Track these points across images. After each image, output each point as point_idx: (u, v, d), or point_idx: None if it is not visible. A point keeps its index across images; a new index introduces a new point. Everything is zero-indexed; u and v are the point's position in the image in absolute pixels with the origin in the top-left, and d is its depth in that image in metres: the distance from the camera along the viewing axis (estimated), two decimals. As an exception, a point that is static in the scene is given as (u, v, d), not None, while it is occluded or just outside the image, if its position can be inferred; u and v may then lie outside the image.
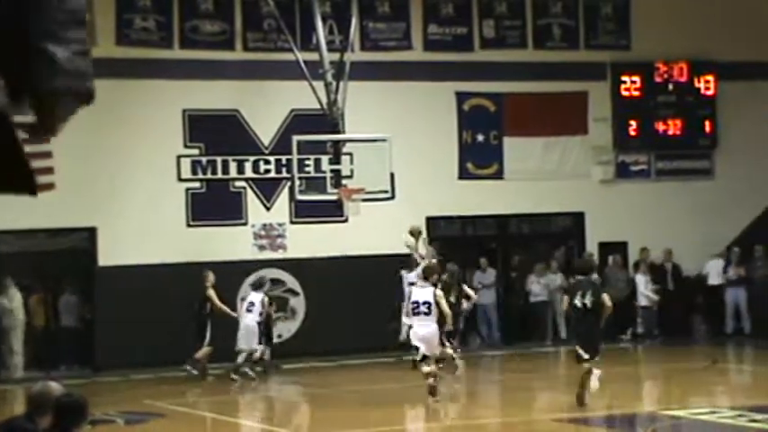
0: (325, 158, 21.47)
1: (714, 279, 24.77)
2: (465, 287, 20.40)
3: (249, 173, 23.50)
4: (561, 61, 25.17)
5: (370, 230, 22.88)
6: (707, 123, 25.88)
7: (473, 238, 25.91)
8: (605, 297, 14.29)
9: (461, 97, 24.83)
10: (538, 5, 25.22)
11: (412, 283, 17.35)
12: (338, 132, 21.06)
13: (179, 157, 23.09)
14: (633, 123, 25.58)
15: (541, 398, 17.21)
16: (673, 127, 25.75)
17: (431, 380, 15.28)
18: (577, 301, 14.21)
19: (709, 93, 25.83)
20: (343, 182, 20.51)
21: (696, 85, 25.78)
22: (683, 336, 24.22)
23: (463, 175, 24.81)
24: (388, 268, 21.11)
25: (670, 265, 25.22)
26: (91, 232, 22.55)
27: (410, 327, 16.37)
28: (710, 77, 25.73)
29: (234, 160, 23.42)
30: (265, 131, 23.51)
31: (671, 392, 17.51)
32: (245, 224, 23.43)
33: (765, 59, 25.47)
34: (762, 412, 13.59)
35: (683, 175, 25.96)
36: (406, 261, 19.95)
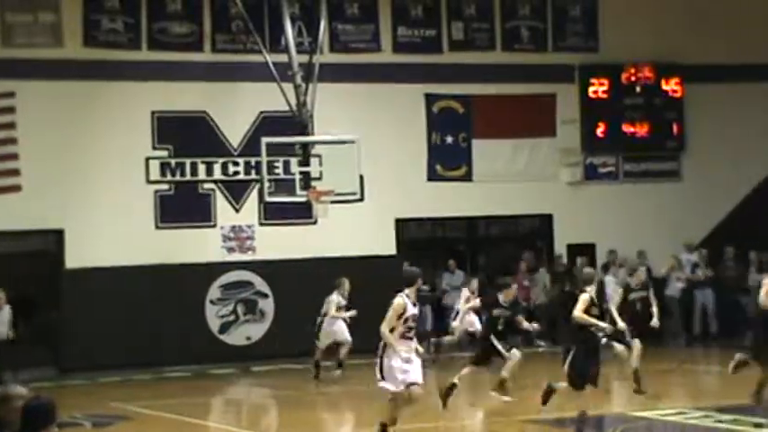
0: (294, 160, 21.44)
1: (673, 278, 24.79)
2: None
3: (218, 175, 23.44)
4: (529, 63, 25.24)
5: (340, 232, 22.88)
6: (674, 125, 26.03)
7: (442, 240, 25.94)
8: None
9: (430, 99, 24.86)
10: (506, 8, 25.29)
11: None
12: (307, 134, 21.05)
13: (147, 158, 22.98)
14: (601, 125, 25.70)
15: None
16: (640, 129, 25.89)
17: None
18: None
19: (677, 95, 25.98)
20: (312, 184, 20.48)
21: (663, 87, 25.92)
22: (652, 337, 24.27)
23: (432, 176, 24.85)
24: (358, 270, 21.10)
25: (644, 267, 25.28)
26: (58, 234, 22.42)
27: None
28: (678, 80, 25.88)
29: (203, 162, 23.35)
30: (234, 133, 23.45)
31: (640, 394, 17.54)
32: (213, 226, 23.36)
33: (731, 62, 25.62)
34: (728, 413, 13.69)
35: (651, 177, 26.10)
36: None
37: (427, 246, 25.57)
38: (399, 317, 12.02)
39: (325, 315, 19.49)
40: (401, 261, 24.24)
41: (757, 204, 25.83)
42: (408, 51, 24.64)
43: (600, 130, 25.73)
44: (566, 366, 12.91)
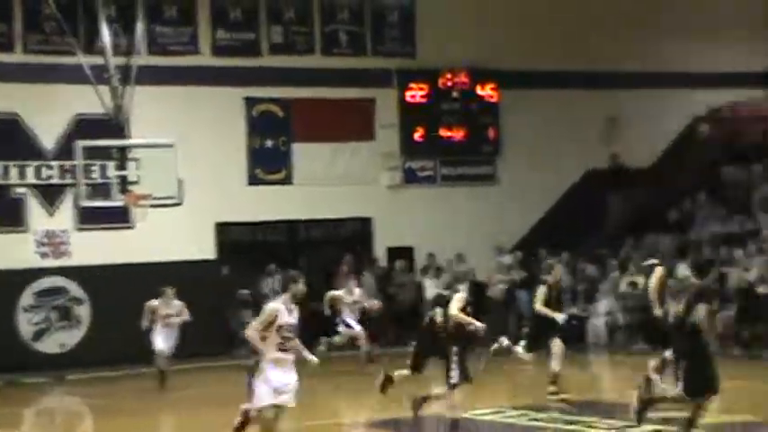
0: (111, 164, 21.04)
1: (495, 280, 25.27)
2: None
3: (31, 179, 22.82)
4: (349, 68, 25.39)
5: (158, 237, 22.56)
6: (490, 130, 26.58)
7: (263, 244, 25.80)
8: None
9: (250, 102, 24.76)
10: (325, 12, 25.38)
11: None
12: (124, 137, 20.70)
13: (-43, 162, 22.25)
14: (419, 130, 26.06)
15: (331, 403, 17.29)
16: (457, 133, 26.34)
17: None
18: None
19: (492, 100, 26.54)
20: (130, 188, 20.14)
21: (479, 92, 26.44)
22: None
23: (252, 180, 24.74)
24: (177, 275, 20.80)
25: (465, 270, 25.71)
26: None
27: None
28: (493, 85, 26.43)
29: (15, 166, 22.71)
30: (48, 136, 22.89)
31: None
32: (26, 231, 22.74)
33: (545, 68, 26.29)
34: (545, 411, 14.04)
35: (468, 181, 26.57)
36: None
37: (248, 250, 25.42)
38: (270, 324, 10.52)
39: (152, 323, 18.84)
40: (221, 265, 24.15)
41: (570, 207, 26.61)
42: (227, 54, 24.48)
43: (418, 135, 26.08)
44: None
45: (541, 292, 15.28)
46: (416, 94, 26.01)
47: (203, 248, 23.86)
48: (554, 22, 26.26)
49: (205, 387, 18.71)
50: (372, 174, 25.68)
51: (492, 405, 14.99)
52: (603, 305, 23.72)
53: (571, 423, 13.29)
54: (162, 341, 18.64)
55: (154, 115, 22.32)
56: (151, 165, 20.10)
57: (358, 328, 20.09)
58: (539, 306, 15.19)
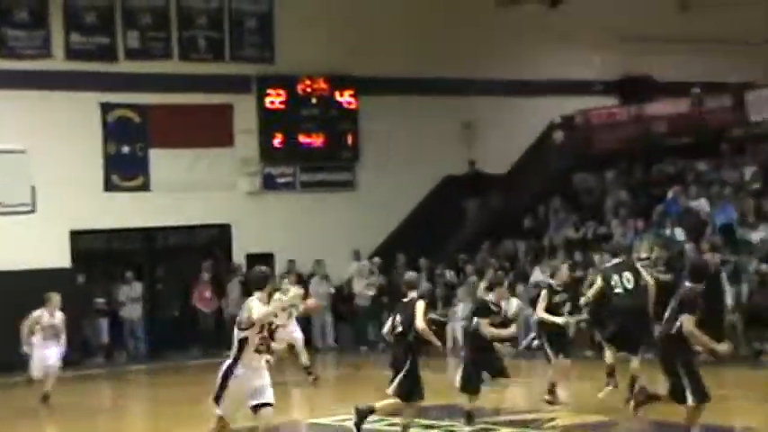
0: (-40, 170, 20.50)
1: (357, 286, 25.41)
2: None
3: None
4: (207, 73, 25.22)
5: (10, 244, 22.05)
6: (349, 136, 26.70)
7: (119, 252, 25.45)
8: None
9: (105, 108, 24.38)
10: (183, 17, 25.16)
11: None
12: (-27, 144, 20.20)
13: None
14: (278, 136, 26.05)
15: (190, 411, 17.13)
16: (317, 140, 26.40)
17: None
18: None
19: (351, 107, 26.67)
20: (-20, 195, 19.65)
21: (338, 99, 26.55)
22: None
23: (108, 187, 24.38)
24: (29, 283, 20.33)
25: (320, 276, 25.76)
26: None
27: None
28: (351, 92, 26.55)
29: None
30: None
31: (317, 400, 17.85)
32: None
33: (403, 75, 26.50)
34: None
35: (327, 187, 26.64)
36: None
37: (104, 258, 25.05)
38: (253, 325, 10.08)
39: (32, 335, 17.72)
40: (76, 274, 23.71)
41: (428, 213, 26.89)
42: (82, 59, 24.07)
43: (277, 141, 26.06)
44: None
45: (544, 296, 14.58)
46: (275, 100, 25.98)
47: (58, 256, 23.37)
48: (412, 29, 26.51)
49: (63, 397, 18.29)
50: (231, 180, 25.55)
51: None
52: (461, 309, 24.02)
53: (429, 428, 13.41)
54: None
55: (5, 121, 21.82)
56: (2, 171, 19.66)
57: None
58: (540, 312, 14.50)
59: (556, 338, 14.54)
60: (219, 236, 25.88)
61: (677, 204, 23.11)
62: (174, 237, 25.88)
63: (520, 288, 22.29)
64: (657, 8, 28.42)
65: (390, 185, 26.40)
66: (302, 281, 23.58)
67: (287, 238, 25.57)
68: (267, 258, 25.61)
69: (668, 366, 11.19)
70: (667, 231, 22.29)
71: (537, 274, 22.91)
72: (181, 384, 20.19)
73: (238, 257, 25.53)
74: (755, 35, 28.37)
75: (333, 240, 25.68)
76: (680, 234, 21.89)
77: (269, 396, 10.19)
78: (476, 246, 25.88)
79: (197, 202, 24.83)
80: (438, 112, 27.04)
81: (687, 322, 10.95)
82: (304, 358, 18.61)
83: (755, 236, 20.68)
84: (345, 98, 26.60)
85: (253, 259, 25.45)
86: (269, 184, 26.11)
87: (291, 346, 18.60)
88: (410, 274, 13.25)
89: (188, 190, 24.80)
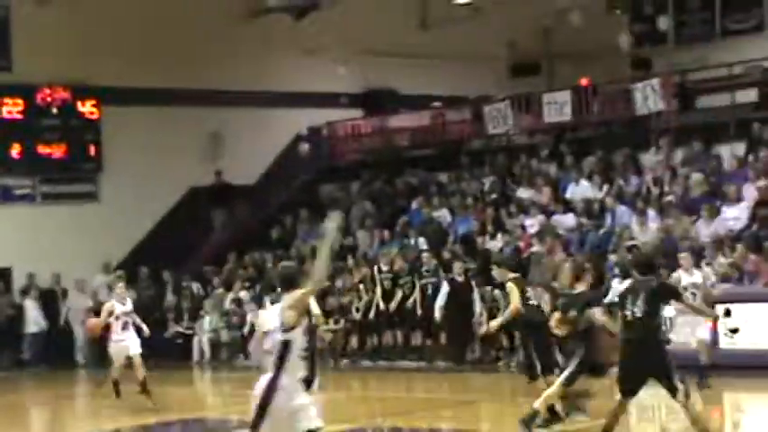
0: None
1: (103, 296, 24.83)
2: None
3: None
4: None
5: None
6: (92, 147, 26.13)
7: None
8: None
9: None
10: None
11: None
12: None
13: None
14: (16, 146, 25.27)
15: None
16: (58, 150, 25.72)
17: None
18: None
19: (94, 117, 26.10)
20: None
21: (80, 109, 25.95)
22: (68, 360, 24.37)
23: None
24: None
25: (60, 290, 25.13)
26: None
27: None
28: (94, 102, 26.00)
29: None
30: None
31: (60, 418, 17.39)
32: None
33: (145, 85, 26.08)
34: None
35: (69, 199, 26.00)
36: None
37: None
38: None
39: None
40: None
41: (174, 224, 26.60)
42: None
43: (15, 152, 25.29)
44: None
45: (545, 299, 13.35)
46: (12, 109, 25.15)
47: None
48: (157, 39, 26.11)
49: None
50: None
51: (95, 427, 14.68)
52: (208, 322, 23.89)
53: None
54: None
55: None
56: None
57: None
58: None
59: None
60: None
61: (420, 215, 23.68)
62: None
63: (266, 300, 22.28)
64: (401, 25, 29.04)
65: (135, 197, 25.96)
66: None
67: (27, 251, 24.79)
68: (6, 272, 24.84)
69: None
70: (411, 241, 22.80)
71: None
72: None
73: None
74: (490, 52, 29.40)
75: (77, 253, 25.02)
76: (422, 243, 22.42)
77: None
78: (223, 257, 25.77)
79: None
80: (184, 123, 26.79)
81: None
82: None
83: (493, 245, 21.37)
84: (88, 108, 26.03)
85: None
86: (6, 196, 25.31)
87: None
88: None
89: None
